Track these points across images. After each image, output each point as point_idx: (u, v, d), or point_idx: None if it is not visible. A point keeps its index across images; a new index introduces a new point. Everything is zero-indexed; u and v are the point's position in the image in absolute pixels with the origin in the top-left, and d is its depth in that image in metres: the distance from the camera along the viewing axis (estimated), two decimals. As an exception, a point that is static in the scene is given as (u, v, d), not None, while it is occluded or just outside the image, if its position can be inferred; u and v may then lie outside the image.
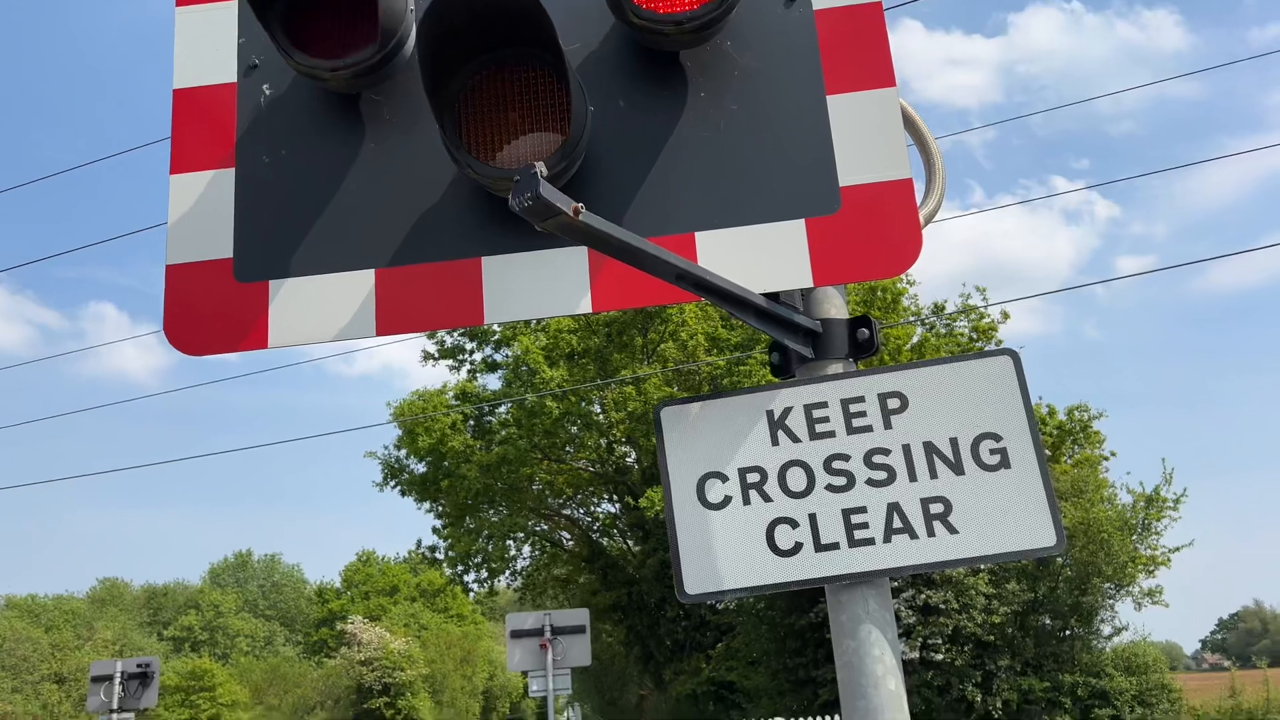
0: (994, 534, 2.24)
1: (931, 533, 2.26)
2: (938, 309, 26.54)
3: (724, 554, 2.33)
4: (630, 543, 30.66)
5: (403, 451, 29.38)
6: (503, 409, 27.20)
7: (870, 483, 2.31)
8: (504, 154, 2.20)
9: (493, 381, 29.75)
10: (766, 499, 2.35)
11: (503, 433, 26.46)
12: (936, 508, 2.27)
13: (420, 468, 29.06)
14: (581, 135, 2.15)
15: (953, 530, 2.26)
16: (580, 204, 1.75)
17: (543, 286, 2.25)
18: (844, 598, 2.27)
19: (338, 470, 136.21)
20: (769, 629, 22.52)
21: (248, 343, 2.30)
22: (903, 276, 26.48)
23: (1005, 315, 26.42)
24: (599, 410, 27.74)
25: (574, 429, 27.07)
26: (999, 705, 19.01)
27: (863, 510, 2.29)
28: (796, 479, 2.34)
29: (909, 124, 2.60)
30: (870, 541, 2.27)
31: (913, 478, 2.30)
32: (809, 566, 2.28)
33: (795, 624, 20.71)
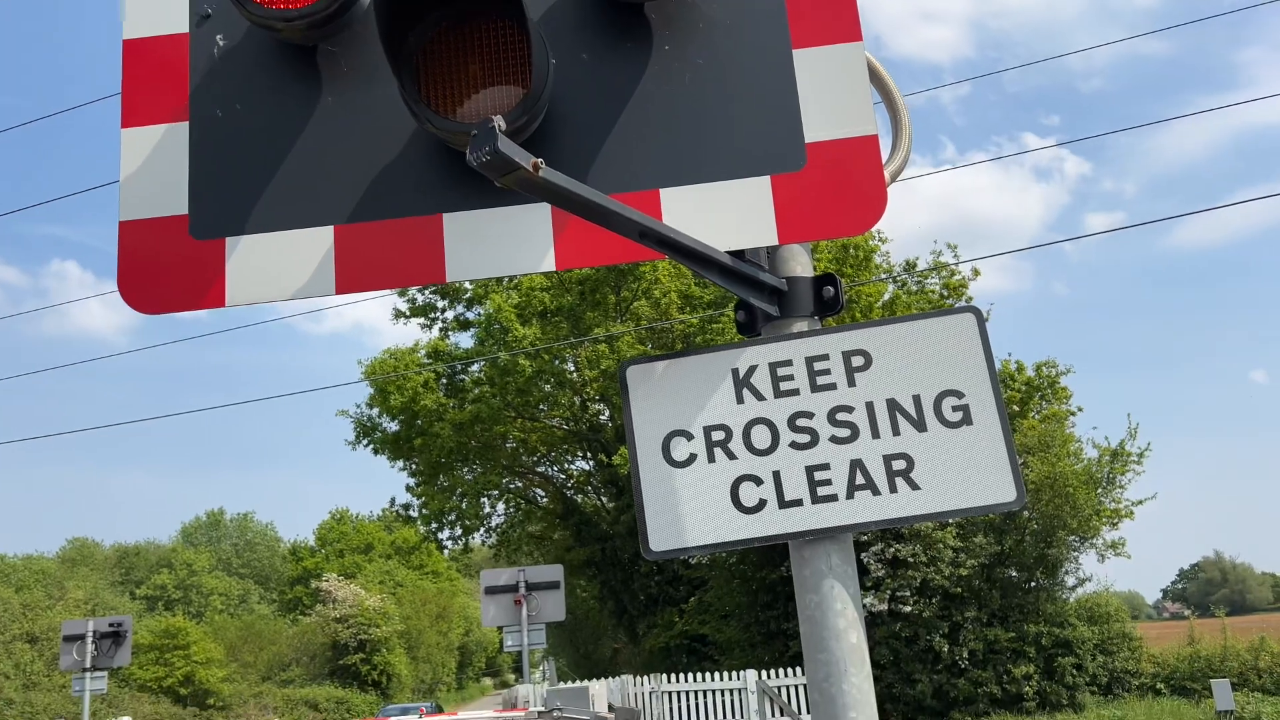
0: (955, 490, 2.26)
1: (894, 489, 2.28)
2: (909, 266, 26.65)
3: (689, 511, 2.34)
4: (604, 499, 30.85)
5: (375, 410, 29.29)
6: (475, 367, 27.13)
7: (834, 440, 2.32)
8: (464, 108, 2.16)
9: (465, 340, 29.66)
10: (731, 457, 2.35)
11: (475, 391, 26.42)
12: (899, 464, 2.29)
13: (393, 426, 28.99)
14: (543, 89, 2.11)
15: (914, 486, 2.27)
16: (540, 159, 1.72)
17: (505, 244, 2.23)
18: (807, 553, 2.29)
19: (309, 429, 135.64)
20: (741, 583, 22.81)
21: (205, 301, 2.26)
22: (874, 234, 26.54)
23: (976, 272, 26.58)
24: (572, 368, 27.73)
25: (547, 387, 27.07)
26: (965, 655, 19.41)
27: (826, 467, 2.31)
28: (761, 437, 2.35)
29: (875, 79, 2.58)
30: (833, 498, 2.28)
31: (875, 435, 2.31)
32: (773, 523, 2.29)
33: (767, 578, 20.99)
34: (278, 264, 2.25)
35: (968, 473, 2.27)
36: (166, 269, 2.27)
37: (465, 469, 29.16)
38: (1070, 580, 21.13)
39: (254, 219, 2.27)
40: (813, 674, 2.22)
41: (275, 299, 2.24)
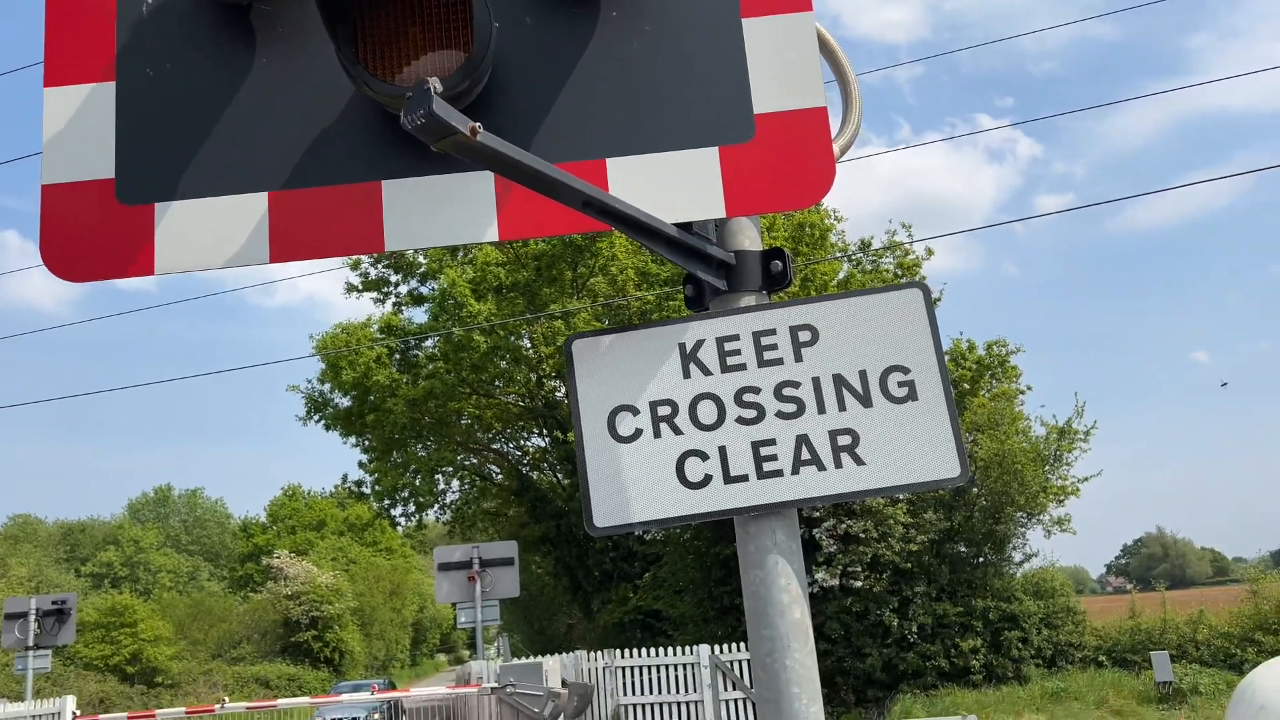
0: (900, 465, 2.26)
1: (839, 464, 2.27)
2: (864, 245, 26.81)
3: (634, 487, 2.31)
4: (560, 476, 30.83)
5: (326, 385, 28.92)
6: (429, 343, 26.88)
7: (780, 415, 2.31)
8: (404, 72, 2.10)
9: (419, 315, 29.35)
10: (677, 432, 2.33)
11: (429, 366, 26.19)
12: (844, 440, 2.28)
13: (345, 402, 28.67)
14: (485, 53, 2.05)
15: (859, 462, 2.27)
16: (478, 124, 1.67)
17: (446, 213, 2.17)
18: (752, 529, 2.28)
19: (260, 404, 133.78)
20: (695, 559, 22.95)
21: (133, 269, 2.17)
22: (830, 213, 26.67)
23: (930, 252, 26.82)
24: (528, 344, 27.59)
25: (503, 363, 26.91)
26: (914, 629, 19.73)
27: (772, 442, 2.29)
28: (707, 412, 2.33)
29: (827, 51, 2.54)
30: (779, 473, 2.27)
31: (821, 410, 2.30)
32: (718, 498, 2.28)
33: (721, 553, 21.13)
34: (209, 231, 2.17)
35: (912, 448, 2.27)
36: (92, 235, 2.18)
37: (419, 445, 28.95)
38: (1017, 556, 21.58)
39: (184, 184, 2.19)
40: (756, 650, 2.22)
41: (206, 267, 2.17)
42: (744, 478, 2.28)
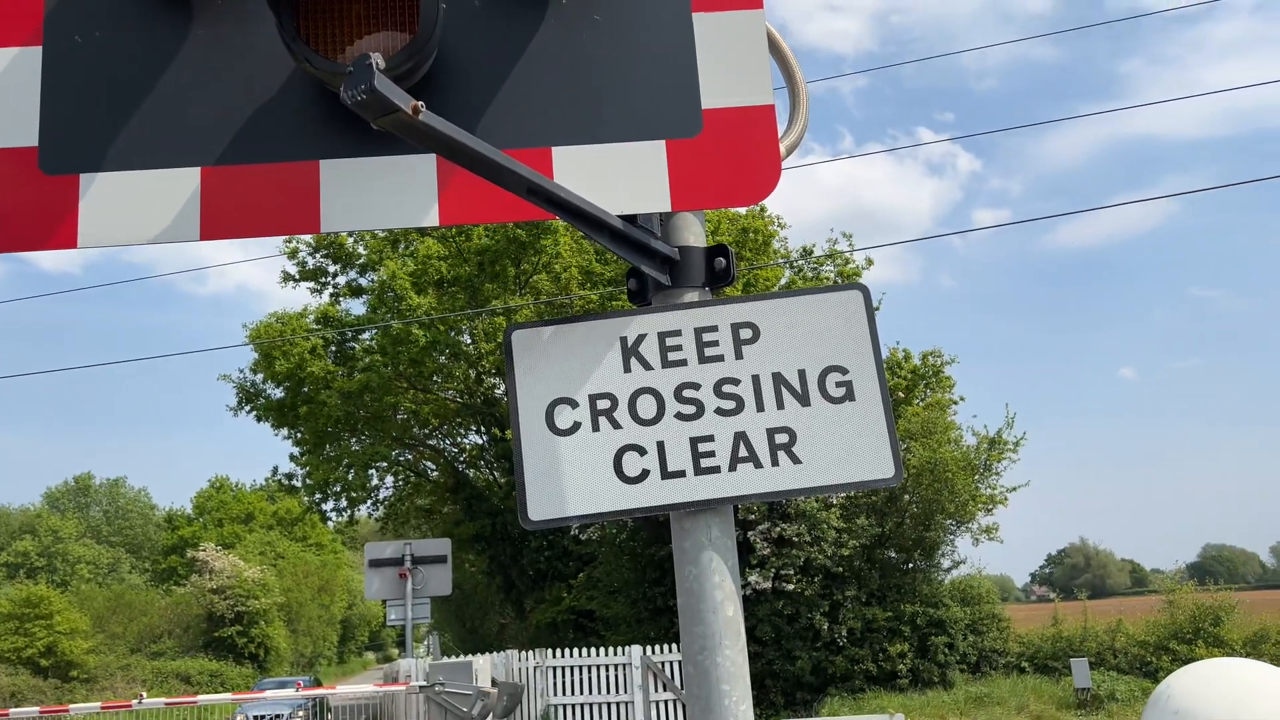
0: (835, 464, 2.27)
1: (776, 462, 2.27)
2: (806, 253, 27.09)
3: (570, 480, 2.29)
4: (497, 474, 30.60)
5: (259, 376, 28.31)
6: (367, 335, 26.48)
7: (719, 412, 2.30)
8: (346, 51, 2.05)
9: (357, 306, 28.88)
10: (616, 426, 2.31)
11: (366, 360, 25.78)
12: (782, 438, 2.28)
13: (278, 393, 28.09)
14: (431, 34, 2.01)
15: (796, 460, 2.27)
16: (420, 102, 1.63)
17: (386, 195, 2.12)
18: (688, 525, 2.27)
19: (188, 394, 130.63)
20: (630, 559, 22.97)
21: (54, 241, 2.09)
22: (774, 219, 26.91)
23: (869, 262, 27.24)
24: (468, 340, 27.33)
25: (442, 358, 26.61)
26: (844, 633, 19.97)
27: (710, 439, 2.29)
28: (647, 407, 2.32)
29: (776, 51, 2.55)
30: (716, 470, 2.26)
31: (760, 408, 2.30)
32: (655, 493, 2.26)
33: (655, 554, 21.18)
34: (137, 205, 2.09)
35: (849, 448, 2.28)
36: (11, 205, 2.09)
37: (353, 439, 28.50)
38: (946, 563, 21.97)
39: (112, 155, 2.11)
40: (688, 646, 2.21)
41: (133, 242, 2.09)
42: (681, 473, 2.27)
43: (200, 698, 22.01)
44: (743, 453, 2.28)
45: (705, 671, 2.17)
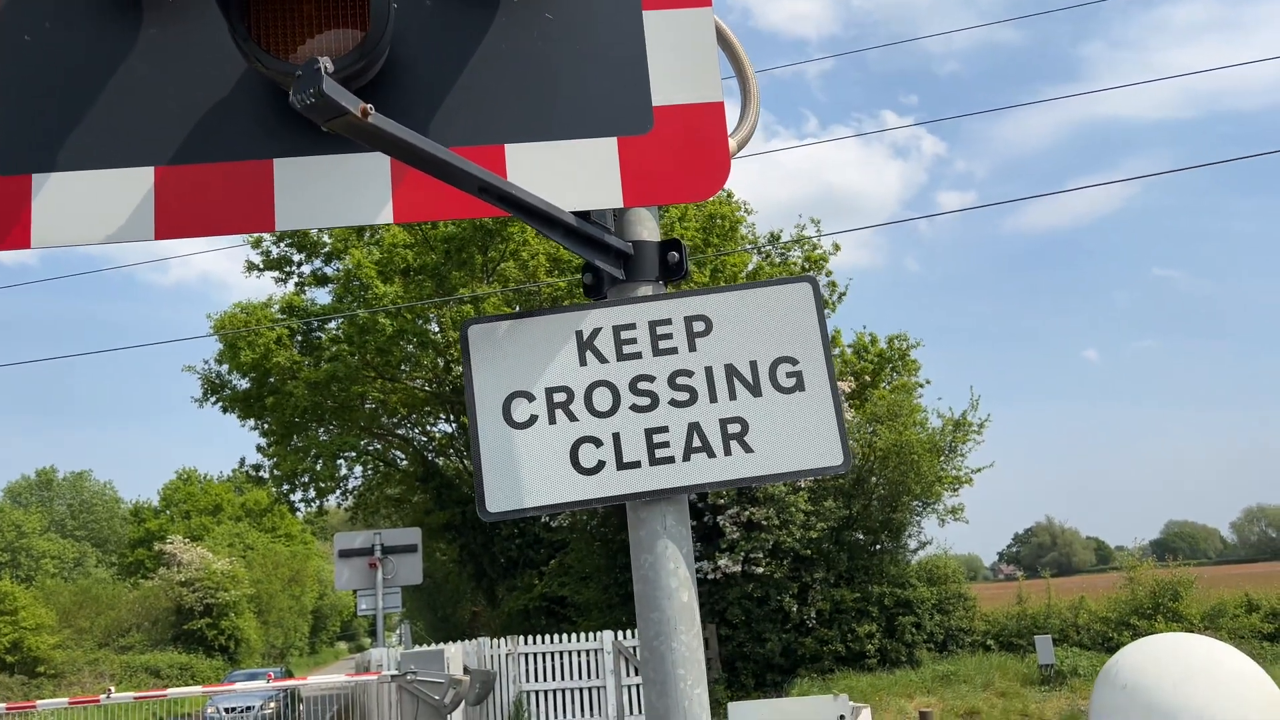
0: (786, 453, 2.33)
1: (728, 451, 2.33)
2: (773, 238, 27.20)
3: (527, 472, 2.33)
4: (466, 462, 30.54)
5: (224, 366, 28.04)
6: (333, 325, 26.29)
7: (673, 403, 2.35)
8: (297, 50, 2.06)
9: (322, 296, 28.64)
10: (572, 418, 2.35)
11: (333, 349, 25.60)
12: (734, 428, 2.34)
13: (243, 384, 27.84)
14: (383, 33, 2.03)
15: (748, 449, 2.33)
16: (369, 105, 1.66)
17: (340, 194, 2.14)
18: (643, 514, 2.32)
19: (152, 385, 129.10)
20: (601, 545, 23.05)
21: (8, 241, 2.09)
22: (741, 204, 26.98)
23: (836, 247, 27.40)
24: (436, 329, 27.21)
25: (409, 347, 26.48)
26: (813, 614, 20.18)
27: (665, 430, 2.34)
28: (602, 399, 2.36)
29: (726, 46, 2.59)
30: (670, 460, 2.32)
31: (713, 399, 2.35)
32: (610, 484, 2.31)
33: (626, 541, 21.21)
34: (91, 205, 2.10)
35: (799, 437, 2.34)
36: (-37, 205, 2.09)
37: (320, 429, 28.31)
38: (913, 543, 22.25)
39: (65, 155, 2.12)
40: (644, 632, 2.26)
41: (87, 242, 2.10)
42: (636, 464, 2.32)
43: (170, 691, 21.81)
44: (696, 443, 2.33)
45: (661, 656, 2.23)
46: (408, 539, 21.10)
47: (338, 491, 31.12)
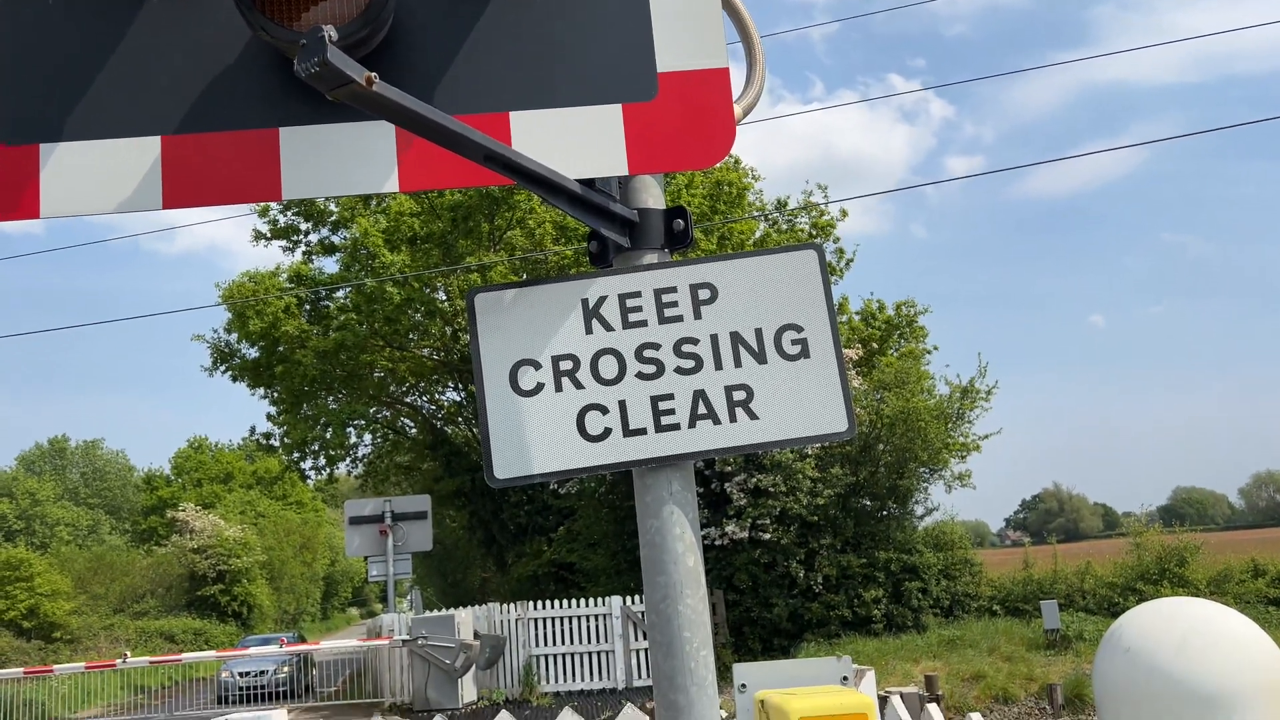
0: (791, 419, 2.35)
1: (733, 418, 2.35)
2: (780, 205, 27.06)
3: (534, 439, 2.35)
4: (474, 430, 30.68)
5: (233, 335, 28.13)
6: (341, 293, 26.32)
7: (679, 371, 2.37)
8: (301, 18, 2.06)
9: (329, 264, 28.67)
10: (578, 386, 2.37)
11: (341, 318, 25.64)
12: (739, 395, 2.35)
13: (252, 353, 27.95)
14: (386, 1, 2.03)
15: (753, 416, 2.35)
16: (374, 74, 1.66)
17: (346, 162, 2.15)
18: (649, 480, 2.34)
19: (161, 355, 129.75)
20: (609, 512, 23.19)
21: (18, 211, 2.11)
22: (748, 171, 26.83)
23: (844, 213, 27.27)
24: (443, 297, 27.23)
25: (417, 316, 26.53)
26: (819, 580, 20.32)
27: (670, 397, 2.35)
28: (608, 367, 2.38)
29: (732, 11, 2.58)
30: (676, 427, 2.33)
31: (719, 366, 2.37)
32: (617, 451, 2.33)
33: (633, 508, 21.38)
34: (98, 174, 2.11)
35: (803, 403, 2.35)
36: (-28, 176, 2.10)
37: (330, 398, 28.44)
38: (919, 510, 22.34)
39: (72, 124, 2.12)
40: (650, 596, 2.29)
41: (96, 211, 2.11)
42: (642, 431, 2.33)
43: (185, 656, 22.15)
44: (702, 410, 2.35)
45: (667, 619, 2.26)
46: (418, 506, 21.28)
47: (348, 459, 31.33)
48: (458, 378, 29.94)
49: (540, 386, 2.37)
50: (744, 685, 1.93)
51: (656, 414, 2.34)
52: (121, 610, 40.89)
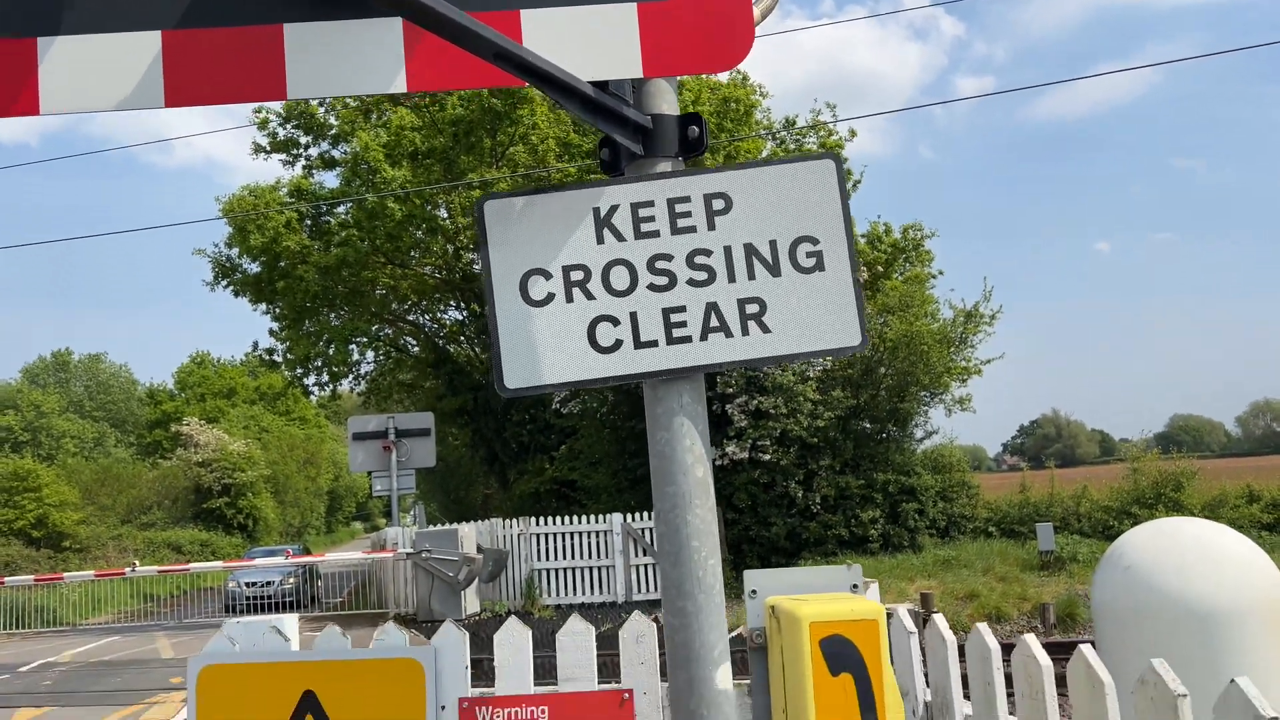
0: (804, 333, 2.32)
1: (746, 332, 2.32)
2: (789, 124, 26.64)
3: (545, 350, 2.33)
4: (477, 349, 30.74)
5: (234, 250, 27.97)
6: (342, 209, 26.09)
7: (691, 283, 2.33)
8: (306, -95, 1.98)
9: (330, 179, 28.35)
10: (589, 297, 2.34)
11: (342, 234, 25.46)
12: (752, 308, 2.32)
13: (254, 268, 27.82)
14: (394, -110, 1.94)
15: (766, 329, 2.32)
16: (383, -37, 1.59)
17: (352, 60, 2.08)
18: (660, 392, 2.32)
19: (161, 269, 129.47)
20: (610, 432, 23.39)
21: (16, 108, 2.05)
22: (756, 88, 26.33)
23: (853, 133, 26.85)
24: (445, 215, 26.99)
25: (419, 233, 26.33)
26: (818, 500, 20.58)
27: (682, 310, 2.32)
28: (620, 278, 2.34)
29: (752, -91, 2.47)
30: (688, 339, 2.31)
31: (732, 278, 2.33)
32: (628, 362, 2.31)
33: (635, 427, 21.54)
34: (98, 70, 2.04)
35: (817, 317, 2.32)
36: (-32, 70, 2.04)
37: (332, 314, 28.42)
38: (919, 433, 22.50)
39: (70, 18, 2.05)
40: (660, 505, 2.29)
41: (96, 108, 2.05)
42: (654, 343, 2.31)
43: (192, 566, 22.59)
44: (714, 323, 2.32)
45: (676, 529, 2.26)
46: (421, 423, 21.42)
47: (350, 377, 31.45)
48: (460, 296, 29.88)
49: (551, 297, 2.34)
50: (754, 591, 1.94)
51: (668, 326, 2.32)
52: (129, 521, 41.54)
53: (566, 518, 19.27)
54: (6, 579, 21.21)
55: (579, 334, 2.33)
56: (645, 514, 18.61)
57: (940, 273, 26.35)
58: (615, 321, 2.32)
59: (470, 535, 18.09)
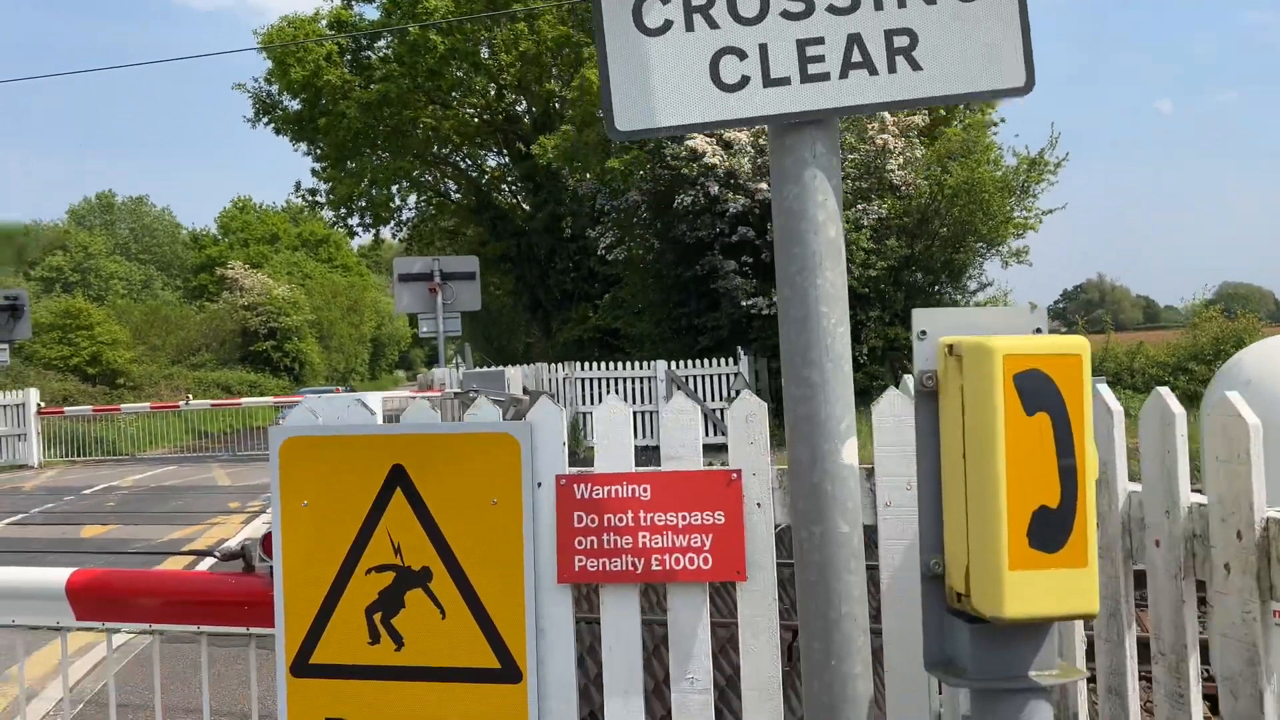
0: (961, 71, 2.01)
1: (893, 68, 2.02)
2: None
3: (661, 86, 2.05)
4: (520, 197, 30.33)
5: (274, 86, 27.38)
6: (383, 44, 25.27)
7: (831, 10, 2.02)
8: None
9: (370, 11, 27.40)
10: (713, 25, 2.04)
11: (383, 70, 24.74)
12: (901, 40, 2.01)
13: (294, 104, 27.28)
14: None
15: (916, 66, 2.01)
16: None
17: None
18: (789, 140, 2.05)
19: (199, 110, 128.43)
20: (655, 280, 23.12)
21: None
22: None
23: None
24: (488, 53, 26.11)
25: (460, 71, 25.55)
26: (865, 352, 20.37)
27: (820, 41, 2.02)
28: (748, 4, 2.03)
29: None
30: (825, 76, 2.02)
31: (879, 6, 2.02)
32: (755, 103, 2.03)
33: (681, 276, 21.25)
34: None
35: (977, 52, 2.01)
36: None
37: (373, 154, 27.97)
38: (972, 285, 22.03)
39: None
40: (785, 268, 2.06)
41: None
42: (785, 80, 2.02)
43: (244, 400, 23.06)
44: (856, 57, 2.02)
45: (803, 292, 2.03)
46: (466, 266, 21.27)
47: (392, 222, 31.25)
48: (501, 140, 29.25)
49: (669, 24, 2.05)
50: (924, 332, 1.72)
51: (803, 60, 2.02)
52: (179, 361, 42.49)
53: (611, 364, 19.28)
54: (66, 409, 21.83)
55: (700, 68, 2.04)
56: (689, 361, 18.55)
57: (1002, 120, 25.25)
58: (742, 54, 2.03)
59: (516, 377, 18.20)
